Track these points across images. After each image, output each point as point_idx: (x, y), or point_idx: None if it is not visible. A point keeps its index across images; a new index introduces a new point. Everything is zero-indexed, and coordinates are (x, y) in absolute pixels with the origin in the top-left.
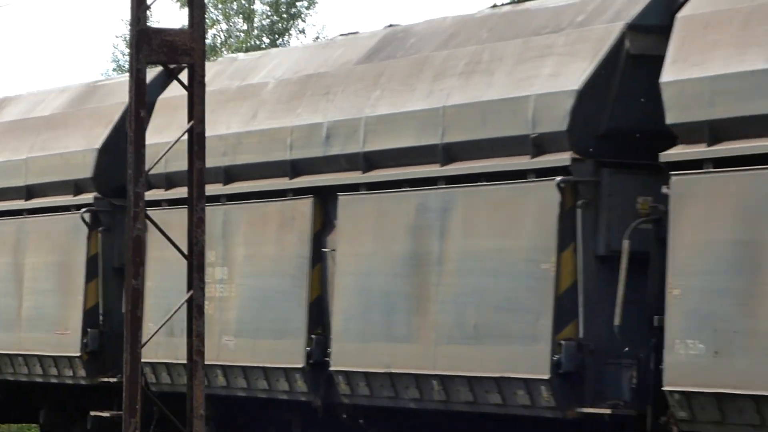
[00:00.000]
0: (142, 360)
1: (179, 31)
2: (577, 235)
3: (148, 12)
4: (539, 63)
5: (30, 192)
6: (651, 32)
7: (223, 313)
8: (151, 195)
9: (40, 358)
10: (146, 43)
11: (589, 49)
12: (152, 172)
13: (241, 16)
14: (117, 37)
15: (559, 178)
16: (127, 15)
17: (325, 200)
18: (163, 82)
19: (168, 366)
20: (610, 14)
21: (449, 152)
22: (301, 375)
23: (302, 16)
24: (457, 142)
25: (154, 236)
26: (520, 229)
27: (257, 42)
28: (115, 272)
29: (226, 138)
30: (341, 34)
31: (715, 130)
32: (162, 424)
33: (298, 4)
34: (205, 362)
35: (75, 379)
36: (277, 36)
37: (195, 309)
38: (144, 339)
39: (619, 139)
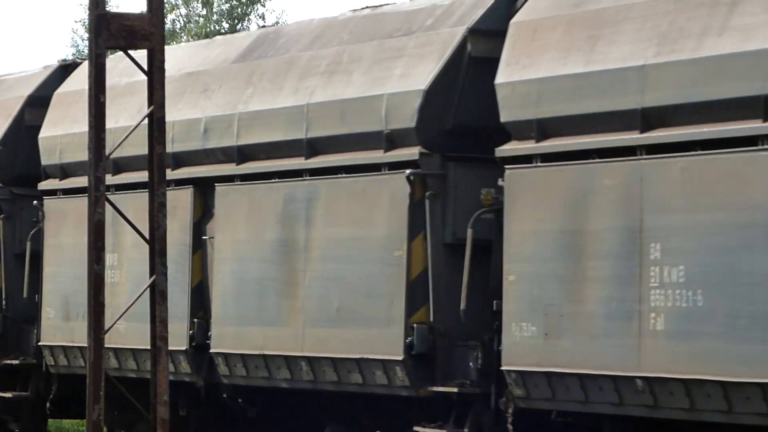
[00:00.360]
0: (41, 343)
1: (138, 16)
2: (426, 224)
3: None
4: (392, 64)
5: None
6: (491, 36)
7: (114, 297)
8: (47, 185)
9: None
10: (105, 28)
11: (435, 52)
12: (46, 162)
13: (200, 1)
14: (76, 21)
15: (408, 171)
16: (86, 0)
17: (204, 191)
18: (60, 77)
19: (65, 349)
20: (454, 19)
21: (313, 146)
22: (185, 357)
23: (261, 1)
24: (320, 137)
25: (51, 224)
26: (376, 219)
27: (216, 27)
28: (17, 258)
29: (114, 132)
30: (263, 26)
31: (542, 128)
32: (60, 404)
33: None
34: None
35: None
36: (236, 21)
37: (158, 294)
38: (43, 326)
39: (464, 134)
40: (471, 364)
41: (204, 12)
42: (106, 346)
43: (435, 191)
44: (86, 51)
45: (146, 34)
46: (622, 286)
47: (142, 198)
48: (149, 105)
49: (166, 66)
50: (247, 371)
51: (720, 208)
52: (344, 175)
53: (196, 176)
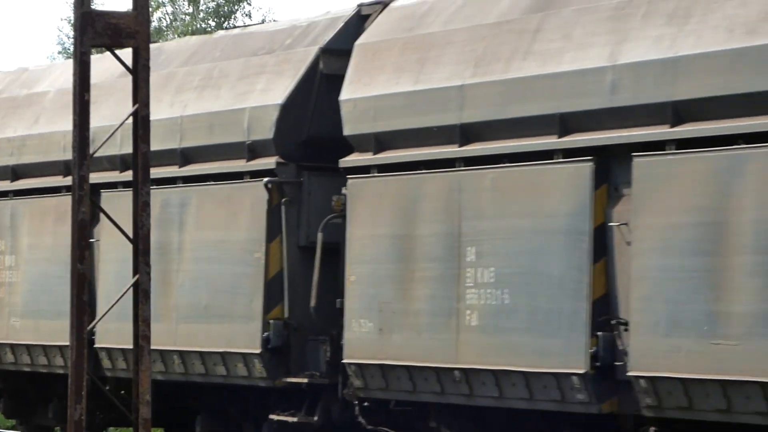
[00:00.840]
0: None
1: (124, 14)
2: (282, 228)
3: None
4: (255, 80)
5: None
6: (341, 55)
7: (11, 296)
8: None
9: None
10: (90, 26)
11: (292, 69)
12: None
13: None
14: (62, 19)
15: (266, 180)
16: None
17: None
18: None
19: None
20: (309, 39)
21: (186, 156)
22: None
23: None
24: (192, 147)
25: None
26: (239, 223)
27: (203, 25)
28: None
29: (13, 140)
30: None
31: (379, 141)
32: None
33: None
34: None
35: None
36: (222, 19)
37: (141, 294)
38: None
39: (318, 146)
40: (321, 357)
41: (191, 10)
42: (4, 341)
43: (290, 198)
44: (72, 49)
45: (131, 33)
46: (444, 286)
47: (38, 202)
48: (134, 103)
49: (62, 79)
50: (127, 364)
51: (522, 215)
52: (212, 182)
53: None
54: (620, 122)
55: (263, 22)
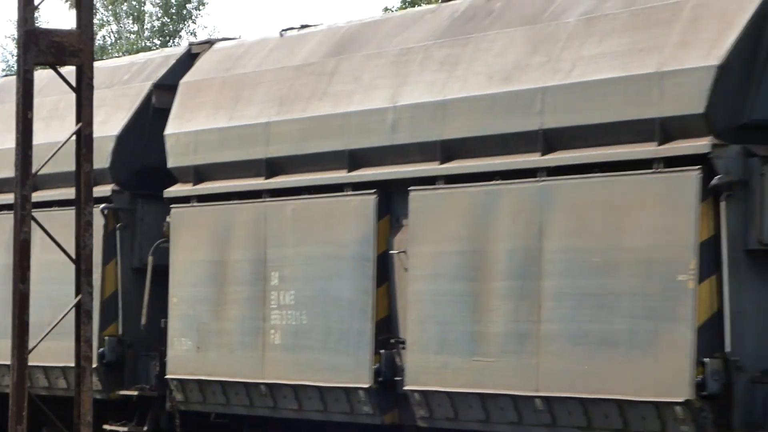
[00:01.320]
0: None
1: (67, 32)
2: (117, 251)
3: (36, 13)
4: (96, 112)
5: None
6: (172, 90)
7: None
8: None
9: None
10: (34, 44)
11: (128, 103)
12: None
13: (131, 17)
14: (6, 37)
15: (102, 206)
16: (15, 15)
17: None
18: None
19: None
20: (144, 75)
21: (35, 184)
22: None
23: (192, 17)
24: (44, 175)
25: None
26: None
27: (148, 44)
28: None
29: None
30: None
31: (198, 173)
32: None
33: (188, 5)
34: None
35: None
36: (168, 38)
37: (83, 314)
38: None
39: (151, 175)
40: (151, 371)
41: (135, 28)
42: None
43: (125, 223)
44: (16, 67)
45: (75, 51)
46: (252, 308)
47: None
48: (77, 122)
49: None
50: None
51: (318, 243)
52: (58, 208)
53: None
54: (399, 159)
55: (208, 41)
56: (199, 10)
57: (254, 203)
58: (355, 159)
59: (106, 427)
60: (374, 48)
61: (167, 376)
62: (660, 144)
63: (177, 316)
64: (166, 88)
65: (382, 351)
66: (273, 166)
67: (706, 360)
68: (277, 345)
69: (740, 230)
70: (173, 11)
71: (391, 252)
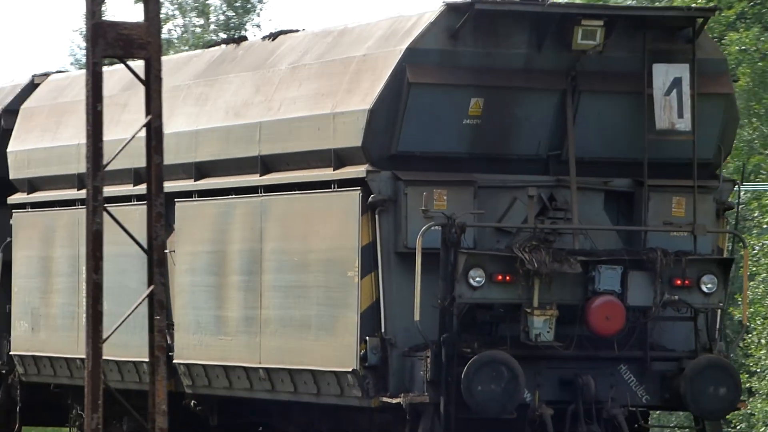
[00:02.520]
0: (13, 353)
1: (135, 25)
2: None
3: (103, 6)
4: None
5: None
6: (17, 115)
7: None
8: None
9: None
10: (102, 37)
11: None
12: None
13: (196, 11)
14: (74, 31)
15: None
16: (83, 9)
17: None
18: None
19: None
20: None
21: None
22: None
23: (257, 10)
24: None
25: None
26: None
27: (214, 37)
28: None
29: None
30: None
31: (31, 184)
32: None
33: None
34: None
35: None
36: (233, 31)
37: (156, 304)
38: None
39: (3, 184)
40: (3, 349)
41: (201, 22)
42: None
43: None
44: (84, 60)
45: (143, 44)
46: (69, 294)
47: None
48: (146, 114)
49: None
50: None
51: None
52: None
53: None
54: (170, 176)
55: (272, 34)
56: (263, 2)
57: (71, 210)
58: (139, 176)
59: None
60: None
61: (12, 353)
62: (335, 169)
63: (18, 303)
64: (13, 112)
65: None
66: (83, 181)
67: (368, 338)
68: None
69: (391, 237)
70: (238, 4)
71: (165, 251)
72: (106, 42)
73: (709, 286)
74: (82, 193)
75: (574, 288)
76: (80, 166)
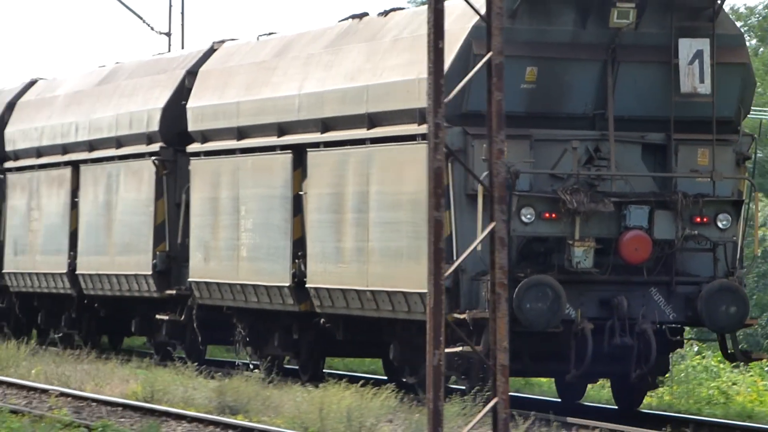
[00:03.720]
0: (191, 279)
1: None
2: (164, 191)
3: None
4: (151, 93)
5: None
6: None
7: (36, 238)
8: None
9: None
10: None
11: (170, 84)
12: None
13: None
14: None
15: (153, 158)
16: None
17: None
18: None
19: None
20: (181, 64)
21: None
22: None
23: None
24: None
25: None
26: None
27: None
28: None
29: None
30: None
31: (204, 136)
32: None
33: None
34: None
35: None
36: None
37: (498, 241)
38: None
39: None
40: (185, 276)
41: None
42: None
43: (169, 171)
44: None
45: None
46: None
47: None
48: (487, 51)
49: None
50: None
51: (258, 187)
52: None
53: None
54: (303, 129)
55: (384, 11)
56: None
57: (232, 158)
58: (282, 129)
59: (158, 316)
60: (296, 53)
61: (189, 279)
62: (419, 125)
63: (194, 238)
64: (194, 74)
65: (296, 260)
66: (242, 133)
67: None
68: (244, 257)
69: (462, 181)
70: None
71: (299, 193)
72: None
73: (724, 222)
74: (242, 143)
75: (609, 224)
76: (239, 120)
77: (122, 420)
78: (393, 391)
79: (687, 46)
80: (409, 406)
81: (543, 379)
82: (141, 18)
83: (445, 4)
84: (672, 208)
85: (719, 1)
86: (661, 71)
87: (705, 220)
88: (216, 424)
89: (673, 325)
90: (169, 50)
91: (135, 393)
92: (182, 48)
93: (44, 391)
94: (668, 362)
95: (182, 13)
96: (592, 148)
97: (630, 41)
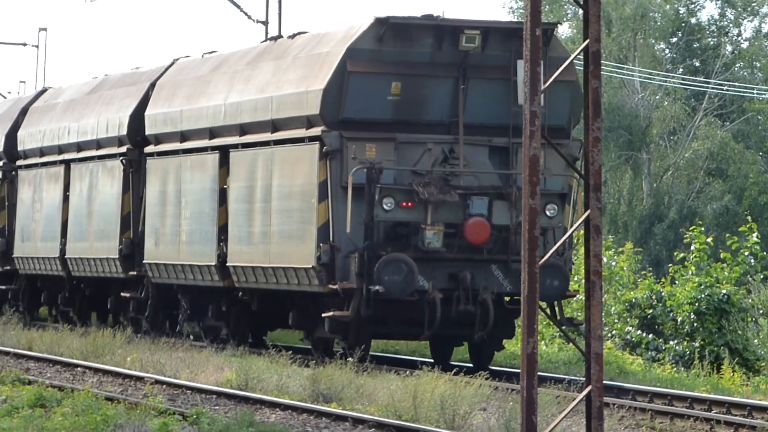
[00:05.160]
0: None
1: None
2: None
3: None
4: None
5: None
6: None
7: (37, 226)
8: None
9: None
10: None
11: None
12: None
13: None
14: None
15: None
16: None
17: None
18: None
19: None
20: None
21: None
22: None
23: None
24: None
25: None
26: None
27: None
28: None
29: (42, 131)
30: None
31: (157, 138)
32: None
33: None
34: None
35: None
36: None
37: (593, 229)
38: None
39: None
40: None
41: None
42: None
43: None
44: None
45: None
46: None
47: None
48: (584, 38)
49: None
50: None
51: (194, 182)
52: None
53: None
54: (227, 133)
55: (293, 34)
56: None
57: (176, 157)
58: (213, 133)
59: (122, 294)
60: (226, 68)
61: (144, 261)
62: (306, 129)
63: (148, 225)
64: (154, 86)
65: (220, 243)
66: (185, 136)
67: (321, 245)
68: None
69: (337, 176)
70: None
71: (224, 186)
72: None
73: (551, 211)
74: (184, 145)
75: (455, 211)
76: (182, 125)
77: (216, 407)
78: (487, 378)
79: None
80: (502, 394)
81: (637, 368)
82: (239, 7)
83: (327, 31)
84: (508, 199)
85: (550, 30)
86: (503, 86)
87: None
88: (310, 411)
89: (510, 296)
90: (266, 39)
91: (229, 381)
92: (279, 34)
93: (139, 378)
94: (513, 327)
95: (279, 1)
96: (447, 150)
97: (477, 62)
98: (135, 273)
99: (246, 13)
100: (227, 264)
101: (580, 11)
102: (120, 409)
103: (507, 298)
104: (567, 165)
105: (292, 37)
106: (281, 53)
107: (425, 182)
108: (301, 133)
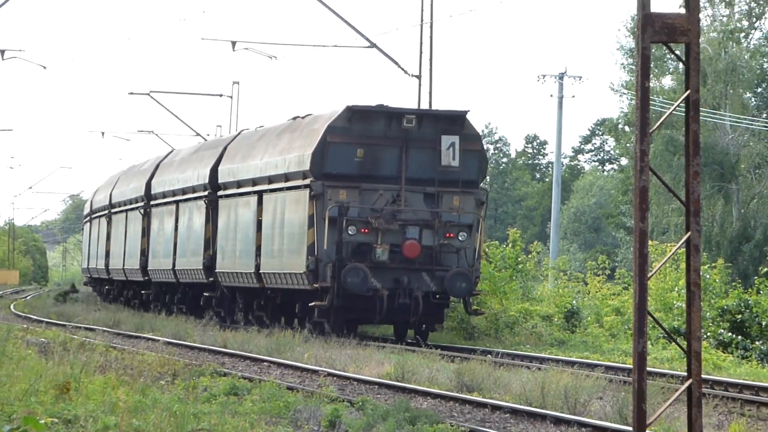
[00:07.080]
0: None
1: (677, 15)
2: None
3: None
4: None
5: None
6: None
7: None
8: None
9: None
10: (650, 25)
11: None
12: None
13: (723, 2)
14: (620, 22)
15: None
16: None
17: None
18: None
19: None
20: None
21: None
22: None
23: None
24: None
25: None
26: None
27: (738, 25)
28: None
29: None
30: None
31: (223, 186)
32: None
33: None
34: None
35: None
36: (754, 19)
37: (692, 248)
38: None
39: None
40: None
41: (726, 12)
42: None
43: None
44: (626, 47)
45: (684, 30)
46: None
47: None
48: (685, 89)
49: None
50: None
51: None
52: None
53: (174, 199)
54: (261, 183)
55: (295, 117)
56: None
57: (233, 198)
58: (255, 182)
59: (205, 294)
60: (266, 138)
61: (215, 271)
62: (303, 179)
63: (219, 246)
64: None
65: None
66: (258, 181)
67: (310, 257)
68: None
69: (320, 211)
70: None
71: (259, 218)
72: (653, 30)
73: (462, 237)
74: (238, 190)
75: (397, 236)
76: (237, 176)
77: (378, 396)
78: (603, 371)
79: (447, 140)
80: (616, 386)
81: (729, 364)
82: (397, 63)
83: (314, 113)
84: (433, 228)
85: (463, 115)
86: (432, 153)
87: (451, 235)
88: (455, 400)
89: (435, 294)
90: (419, 91)
91: (389, 373)
92: (297, 115)
93: (314, 371)
94: (443, 315)
95: (430, 59)
96: (394, 195)
97: (415, 136)
98: (212, 279)
99: (403, 69)
100: (260, 272)
101: (681, 66)
102: (299, 397)
103: (438, 296)
104: (475, 205)
105: (303, 117)
106: (295, 128)
107: (377, 216)
108: (299, 182)
